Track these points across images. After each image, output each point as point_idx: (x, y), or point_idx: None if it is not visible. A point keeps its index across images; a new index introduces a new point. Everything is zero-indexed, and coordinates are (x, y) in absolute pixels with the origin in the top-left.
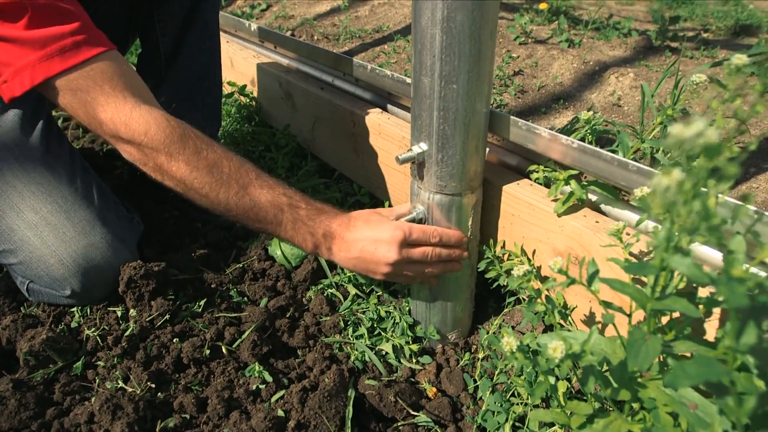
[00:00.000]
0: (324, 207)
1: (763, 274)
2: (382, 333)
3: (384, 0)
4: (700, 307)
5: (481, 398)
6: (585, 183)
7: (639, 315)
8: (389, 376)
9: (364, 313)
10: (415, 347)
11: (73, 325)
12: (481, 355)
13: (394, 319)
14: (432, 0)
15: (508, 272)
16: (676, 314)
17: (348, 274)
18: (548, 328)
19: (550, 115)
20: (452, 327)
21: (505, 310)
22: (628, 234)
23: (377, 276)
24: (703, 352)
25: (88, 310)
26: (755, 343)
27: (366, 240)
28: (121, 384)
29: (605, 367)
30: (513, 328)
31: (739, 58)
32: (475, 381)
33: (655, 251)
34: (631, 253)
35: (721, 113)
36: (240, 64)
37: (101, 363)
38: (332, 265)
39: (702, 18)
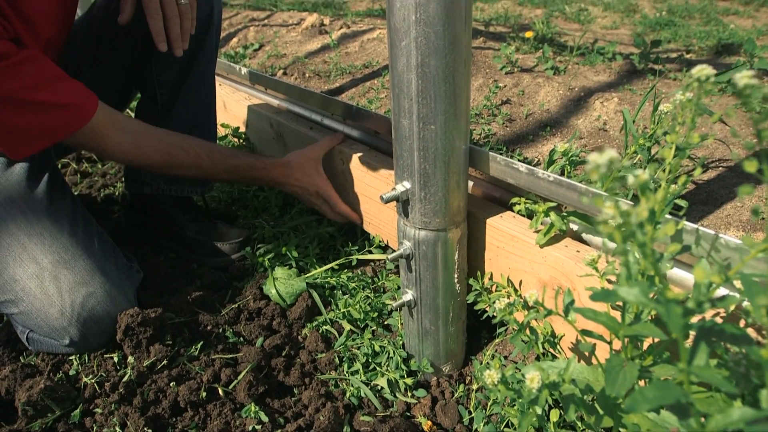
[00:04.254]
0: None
1: (725, 292)
2: (377, 368)
3: (373, 36)
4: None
5: (476, 430)
6: (565, 214)
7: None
8: (384, 411)
9: (359, 348)
10: (409, 381)
11: (72, 372)
12: (475, 387)
13: (389, 354)
14: (407, 48)
15: None
16: (657, 339)
17: (342, 310)
18: (542, 357)
19: (538, 143)
20: (445, 359)
21: (497, 341)
22: (608, 262)
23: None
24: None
25: (87, 358)
26: (707, 365)
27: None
28: (118, 430)
29: (591, 396)
30: (505, 357)
31: (683, 94)
32: (470, 412)
33: (618, 279)
34: (609, 281)
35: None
36: (233, 106)
37: (99, 410)
38: (326, 302)
39: (685, 39)
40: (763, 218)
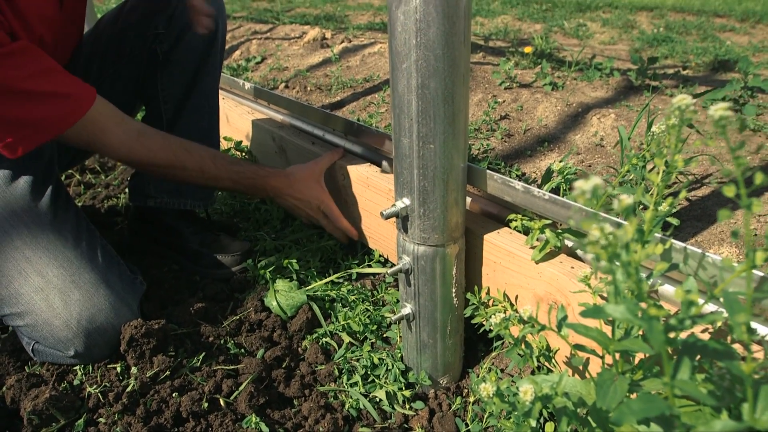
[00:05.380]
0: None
1: (714, 308)
2: (376, 380)
3: (374, 50)
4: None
5: None
6: (560, 230)
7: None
8: (383, 423)
9: (358, 360)
10: (407, 393)
11: (76, 382)
12: (472, 399)
13: (387, 366)
14: (407, 70)
15: None
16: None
17: (342, 323)
18: (538, 370)
19: (536, 158)
20: (443, 372)
21: (493, 354)
22: (600, 279)
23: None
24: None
25: (91, 368)
26: (690, 379)
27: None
28: None
29: (584, 409)
30: (502, 371)
31: (668, 118)
32: (467, 425)
33: (608, 296)
34: (601, 297)
35: (661, 166)
36: (235, 120)
37: (102, 420)
38: (326, 314)
39: (682, 55)
40: (756, 235)
